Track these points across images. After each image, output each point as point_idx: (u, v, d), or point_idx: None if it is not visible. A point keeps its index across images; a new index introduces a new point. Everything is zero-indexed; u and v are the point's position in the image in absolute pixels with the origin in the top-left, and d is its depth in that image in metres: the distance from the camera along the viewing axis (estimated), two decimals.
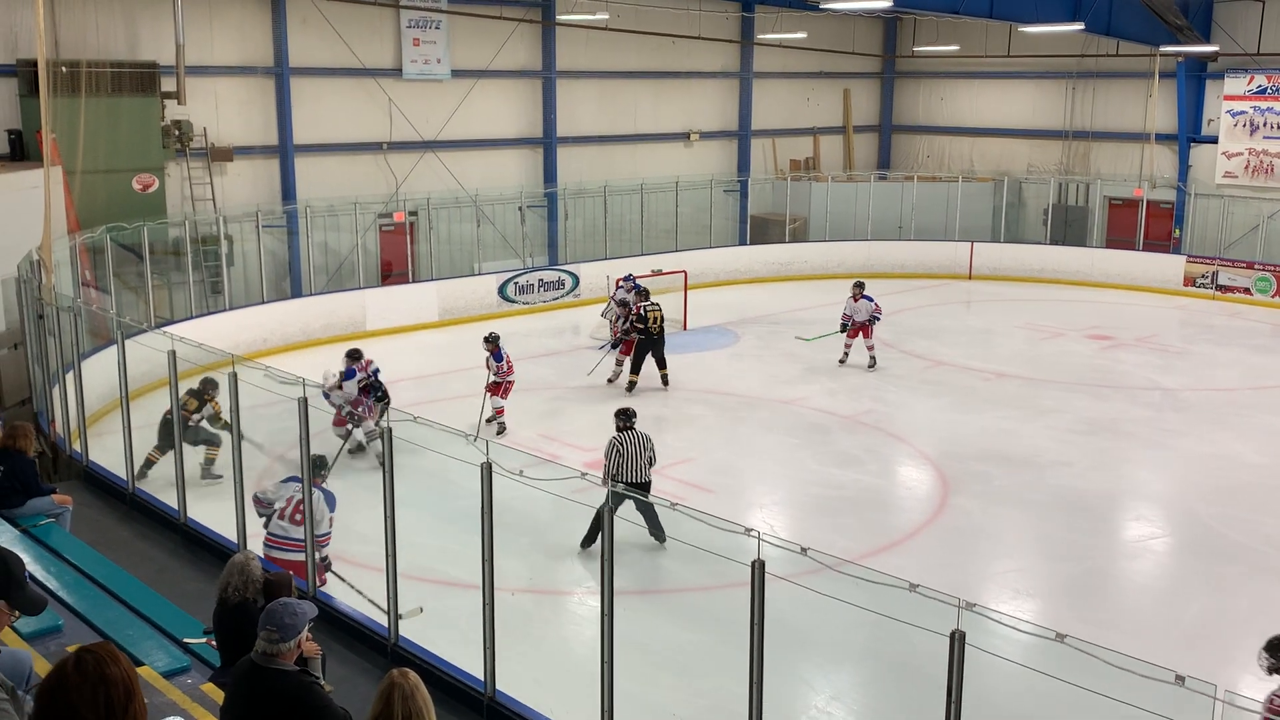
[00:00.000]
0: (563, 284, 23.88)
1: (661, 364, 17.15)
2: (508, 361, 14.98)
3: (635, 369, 16.98)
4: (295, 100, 21.64)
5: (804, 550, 5.91)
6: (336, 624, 8.51)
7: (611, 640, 6.76)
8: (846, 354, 18.63)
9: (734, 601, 6.38)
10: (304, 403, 8.69)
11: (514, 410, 15.35)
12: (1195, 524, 12.27)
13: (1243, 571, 10.95)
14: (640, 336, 16.92)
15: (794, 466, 14.12)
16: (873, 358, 18.44)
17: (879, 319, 18.52)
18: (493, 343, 15.01)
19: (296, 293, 21.50)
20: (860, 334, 18.45)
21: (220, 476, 12.49)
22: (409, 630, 8.33)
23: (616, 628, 6.79)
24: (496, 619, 7.52)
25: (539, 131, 25.66)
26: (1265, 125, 26.07)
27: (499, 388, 15.02)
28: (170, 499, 10.92)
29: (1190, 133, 27.30)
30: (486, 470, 7.18)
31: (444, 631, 8.72)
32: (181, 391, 11.31)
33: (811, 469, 13.95)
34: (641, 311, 16.92)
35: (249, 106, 21.29)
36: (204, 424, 12.76)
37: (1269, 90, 25.88)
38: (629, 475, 10.92)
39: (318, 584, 9.00)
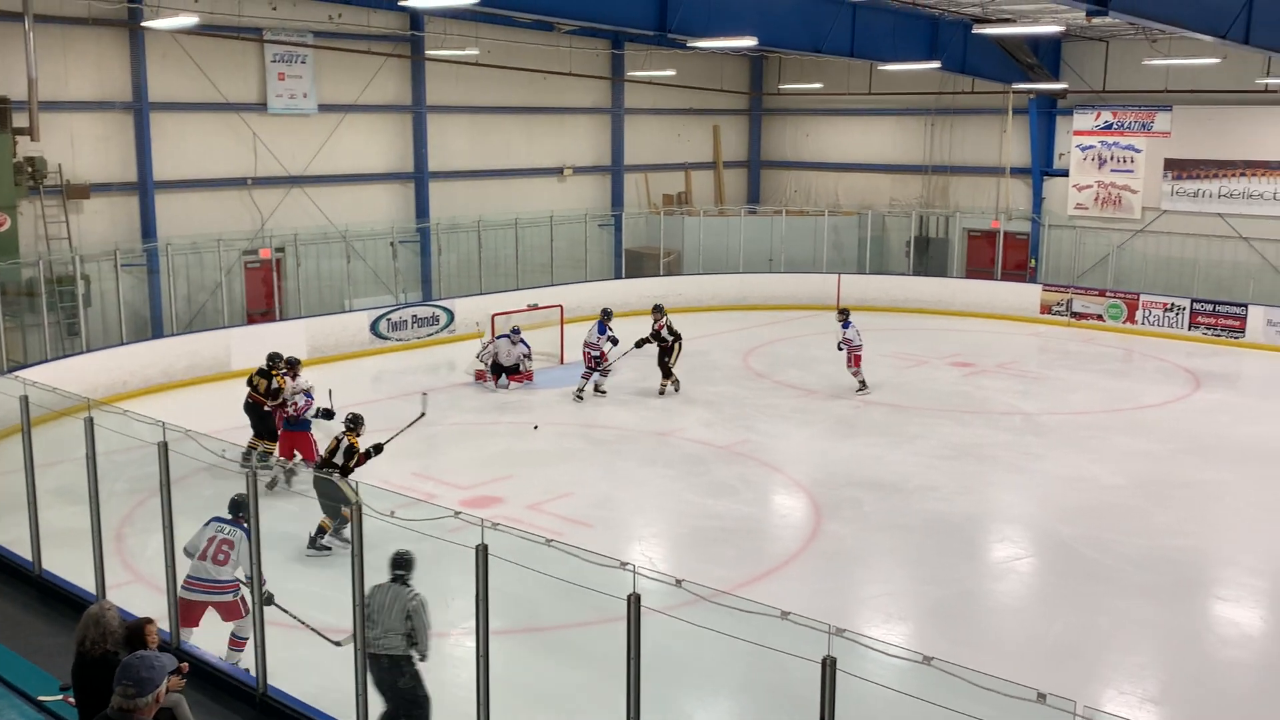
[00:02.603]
0: (437, 320, 23.65)
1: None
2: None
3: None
4: (156, 136, 21.05)
5: (679, 582, 5.93)
6: (201, 675, 8.20)
7: (487, 682, 6.66)
8: (861, 383, 19.19)
9: (611, 637, 6.36)
10: (164, 447, 8.40)
11: (387, 449, 15.08)
12: (1057, 544, 12.70)
13: (1102, 589, 11.35)
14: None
15: (671, 498, 14.19)
16: (862, 381, 19.18)
17: (848, 347, 19.15)
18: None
19: (158, 333, 20.83)
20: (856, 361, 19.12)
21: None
22: (278, 675, 8.07)
23: (493, 669, 6.69)
24: (369, 665, 7.34)
25: (410, 166, 25.45)
26: (1113, 159, 27.38)
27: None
28: (24, 550, 10.42)
29: (1043, 166, 28.51)
30: (356, 511, 7.04)
31: (314, 679, 8.48)
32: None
33: (689, 500, 14.04)
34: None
35: (107, 142, 20.64)
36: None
37: (1115, 125, 27.21)
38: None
39: (180, 636, 8.67)
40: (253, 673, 8.05)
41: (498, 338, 19.79)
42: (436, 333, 23.52)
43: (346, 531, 10.16)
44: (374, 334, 22.51)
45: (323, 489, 11.49)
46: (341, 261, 23.70)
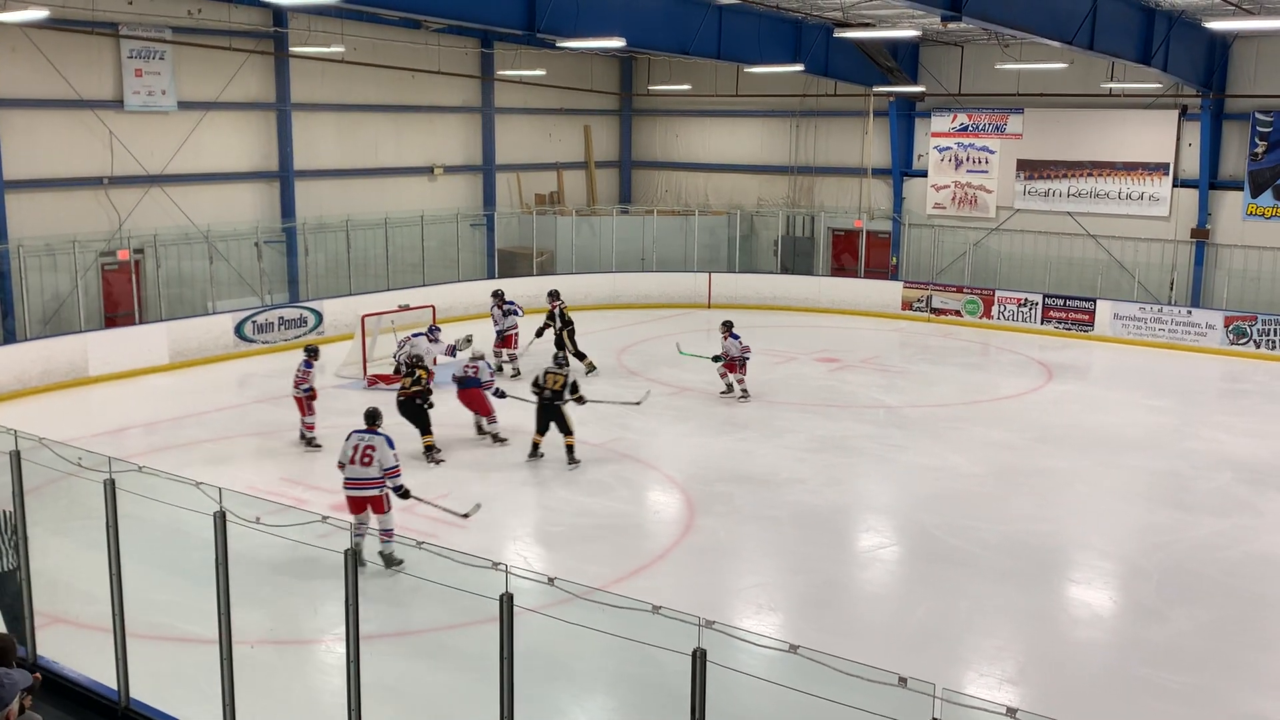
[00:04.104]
0: (305, 321, 23.20)
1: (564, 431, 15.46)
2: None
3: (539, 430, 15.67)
4: (5, 133, 20.20)
5: (551, 581, 5.99)
6: (60, 691, 7.94)
7: (358, 687, 6.61)
8: (729, 386, 19.02)
9: (485, 638, 6.37)
10: (16, 456, 8.10)
11: (255, 455, 14.79)
12: (919, 532, 13.13)
13: (963, 574, 11.78)
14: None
15: (547, 497, 14.22)
16: (744, 390, 18.86)
17: (748, 358, 18.92)
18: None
19: (10, 338, 19.97)
20: (731, 369, 18.81)
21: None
22: (142, 687, 7.87)
23: (364, 674, 6.64)
24: (236, 674, 7.21)
25: (275, 165, 24.89)
26: (968, 160, 28.35)
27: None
28: None
29: (903, 167, 29.37)
30: (220, 519, 6.91)
31: (180, 690, 8.30)
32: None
33: (564, 498, 14.09)
34: (538, 378, 15.69)
35: None
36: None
37: (970, 128, 28.18)
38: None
39: (35, 650, 8.38)
40: (114, 688, 7.82)
41: (414, 335, 18.96)
42: (304, 334, 23.07)
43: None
44: (239, 337, 21.97)
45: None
46: (204, 263, 23.07)
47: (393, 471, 11.37)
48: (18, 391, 18.47)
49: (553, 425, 15.27)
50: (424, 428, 15.26)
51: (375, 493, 11.34)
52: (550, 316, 20.91)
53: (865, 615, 11.07)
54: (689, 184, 33.04)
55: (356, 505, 11.42)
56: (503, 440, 16.17)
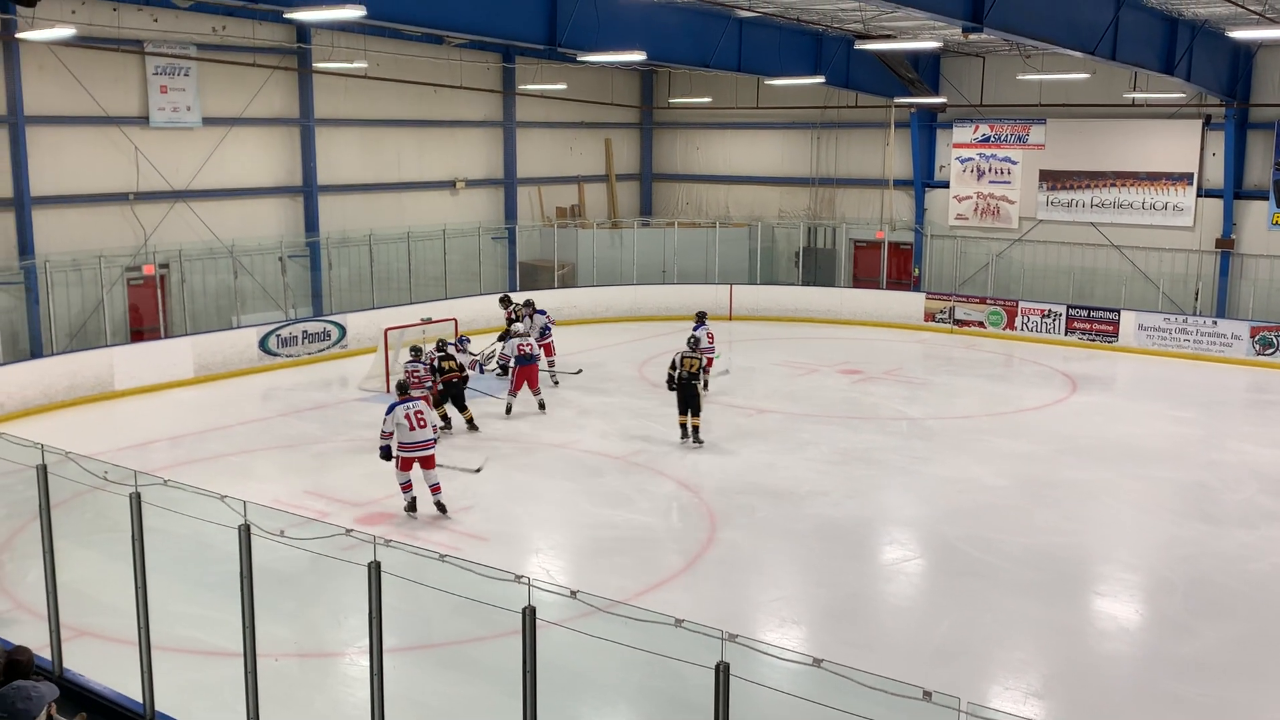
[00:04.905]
0: (328, 335, 23.32)
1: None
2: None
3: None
4: (33, 150, 20.37)
5: (574, 594, 5.98)
6: (85, 703, 7.98)
7: (382, 701, 6.62)
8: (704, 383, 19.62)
9: (508, 650, 6.38)
10: (43, 470, 8.17)
11: (279, 468, 14.87)
12: (943, 545, 13.07)
13: (986, 586, 11.72)
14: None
15: (569, 510, 14.23)
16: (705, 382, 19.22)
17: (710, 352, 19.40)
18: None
19: (37, 353, 20.15)
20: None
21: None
22: (167, 700, 7.91)
23: (388, 687, 6.66)
24: (261, 687, 7.24)
25: (299, 180, 25.06)
26: (990, 171, 28.26)
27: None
28: None
29: (924, 178, 29.29)
30: (244, 532, 6.94)
31: (206, 703, 8.34)
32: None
33: (586, 511, 14.10)
34: (675, 361, 17.30)
35: None
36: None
37: (992, 138, 28.10)
38: None
39: (61, 663, 8.43)
40: (139, 701, 7.87)
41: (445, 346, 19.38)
42: (328, 348, 23.20)
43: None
44: (263, 350, 22.11)
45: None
46: (229, 277, 23.23)
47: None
48: (44, 406, 18.63)
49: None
50: (463, 405, 17.47)
51: (432, 451, 13.42)
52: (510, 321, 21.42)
53: (889, 628, 11.02)
54: (710, 196, 33.07)
55: (411, 464, 13.42)
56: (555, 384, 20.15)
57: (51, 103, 20.69)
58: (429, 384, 17.12)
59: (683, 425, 16.84)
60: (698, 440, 16.71)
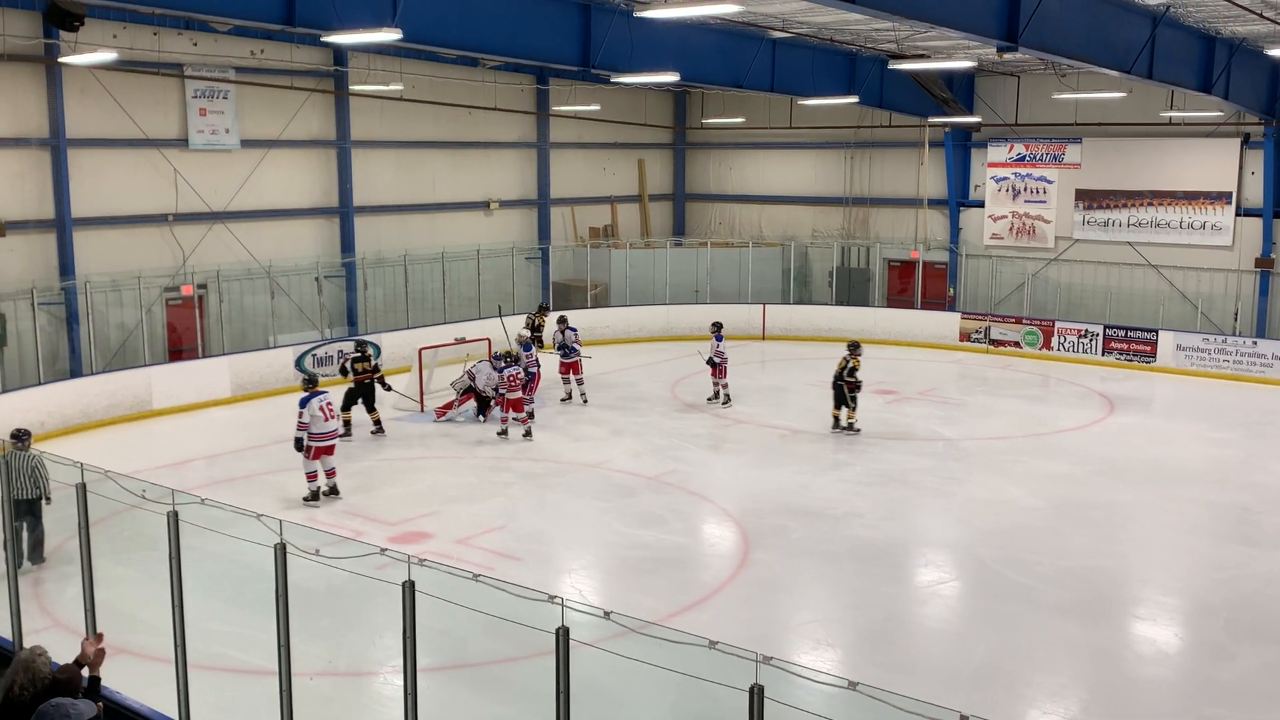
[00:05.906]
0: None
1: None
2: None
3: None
4: (74, 172, 20.70)
5: (608, 614, 5.97)
6: None
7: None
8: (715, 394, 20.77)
9: (541, 671, 6.37)
10: (82, 489, 8.26)
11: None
12: (979, 567, 12.95)
13: (1022, 609, 11.60)
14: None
15: (602, 530, 14.22)
16: (719, 393, 20.66)
17: (717, 362, 20.38)
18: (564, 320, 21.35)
19: (76, 372, 20.41)
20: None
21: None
22: (203, 718, 7.96)
23: (421, 706, 6.67)
24: (295, 706, 7.27)
25: (335, 201, 25.30)
26: (1025, 190, 28.12)
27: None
28: None
29: (959, 198, 29.17)
30: (280, 551, 6.98)
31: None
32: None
33: (619, 531, 14.08)
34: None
35: (22, 179, 20.24)
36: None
37: (1027, 158, 27.96)
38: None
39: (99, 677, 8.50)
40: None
41: (478, 363, 19.70)
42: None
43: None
44: (299, 370, 22.28)
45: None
46: (265, 297, 23.45)
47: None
48: (84, 424, 18.85)
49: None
50: (372, 406, 18.45)
51: (335, 442, 14.84)
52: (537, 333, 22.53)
53: (925, 651, 10.92)
54: (743, 216, 33.08)
55: (320, 453, 14.63)
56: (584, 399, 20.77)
57: (92, 125, 21.01)
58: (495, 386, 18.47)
59: (835, 419, 18.69)
60: (856, 429, 18.55)
